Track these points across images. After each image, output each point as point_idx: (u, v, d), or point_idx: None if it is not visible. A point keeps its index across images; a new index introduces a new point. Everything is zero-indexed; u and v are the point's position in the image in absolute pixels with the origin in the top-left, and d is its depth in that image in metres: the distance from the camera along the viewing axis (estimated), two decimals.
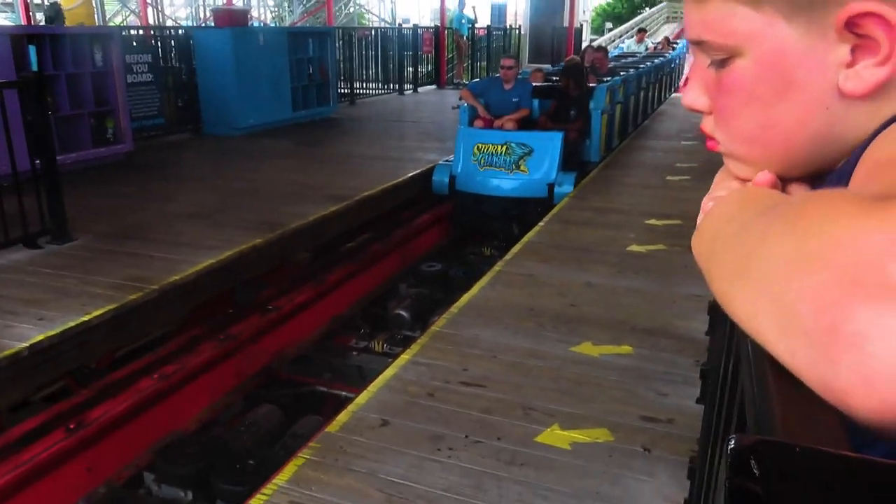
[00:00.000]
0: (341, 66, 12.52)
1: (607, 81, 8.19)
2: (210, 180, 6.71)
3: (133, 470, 3.40)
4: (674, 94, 15.96)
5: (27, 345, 3.23)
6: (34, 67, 6.21)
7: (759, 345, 0.45)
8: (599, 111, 7.47)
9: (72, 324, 3.45)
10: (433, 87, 15.80)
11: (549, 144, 6.68)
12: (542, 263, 4.45)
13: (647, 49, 15.72)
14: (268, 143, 8.64)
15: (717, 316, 2.18)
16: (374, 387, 2.92)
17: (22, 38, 6.49)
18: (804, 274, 0.37)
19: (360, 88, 13.61)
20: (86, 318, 3.52)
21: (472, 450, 2.48)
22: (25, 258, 4.41)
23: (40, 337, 3.30)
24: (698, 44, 0.59)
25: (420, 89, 15.20)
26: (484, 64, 17.25)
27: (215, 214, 5.40)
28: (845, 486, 0.29)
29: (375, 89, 14.43)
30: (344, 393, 4.09)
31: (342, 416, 2.70)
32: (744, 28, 0.54)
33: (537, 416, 2.71)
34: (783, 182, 0.60)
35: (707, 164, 7.39)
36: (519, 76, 7.95)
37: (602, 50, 10.66)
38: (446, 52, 16.26)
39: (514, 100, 7.42)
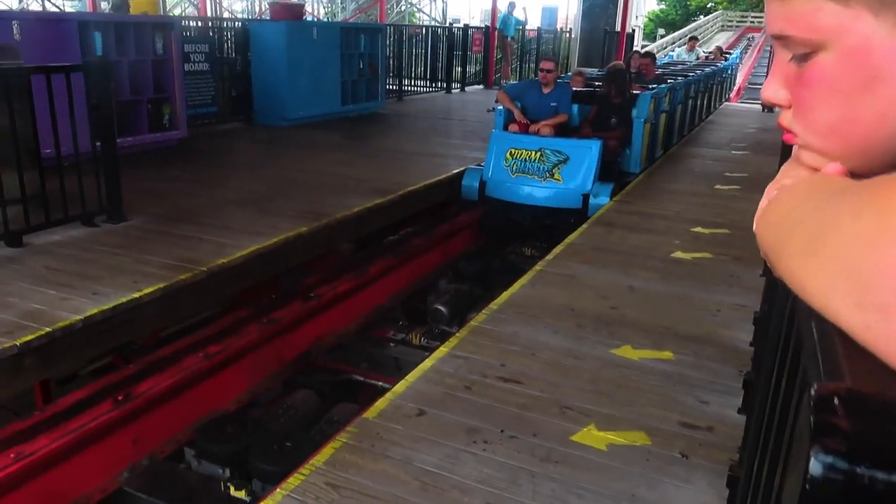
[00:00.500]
0: (391, 62, 12.63)
1: (652, 89, 7.79)
2: (260, 169, 6.85)
3: (174, 445, 3.50)
4: (726, 104, 15.70)
5: (81, 317, 3.35)
6: (99, 53, 6.41)
7: (824, 326, 0.46)
8: (642, 120, 7.09)
9: (124, 300, 3.56)
10: (480, 86, 15.82)
11: (586, 153, 6.34)
12: (585, 265, 4.44)
13: (697, 58, 15.37)
14: (316, 136, 8.76)
15: (766, 326, 2.15)
16: (412, 376, 2.95)
17: (88, 24, 6.72)
18: (884, 248, 0.38)
19: (408, 85, 13.69)
20: (137, 294, 3.63)
21: (508, 444, 2.50)
22: (83, 235, 4.57)
23: (94, 311, 3.42)
24: (781, 38, 0.60)
25: (467, 88, 15.23)
26: (532, 66, 17.20)
27: (263, 202, 5.51)
28: None
29: (423, 87, 14.51)
30: (380, 383, 4.14)
31: (380, 403, 2.74)
32: (829, 23, 0.54)
33: (574, 415, 2.70)
34: (854, 178, 0.60)
35: (758, 176, 7.26)
36: (559, 80, 7.59)
37: (649, 56, 10.12)
38: (495, 52, 16.25)
39: (553, 104, 7.05)
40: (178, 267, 4.01)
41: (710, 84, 12.08)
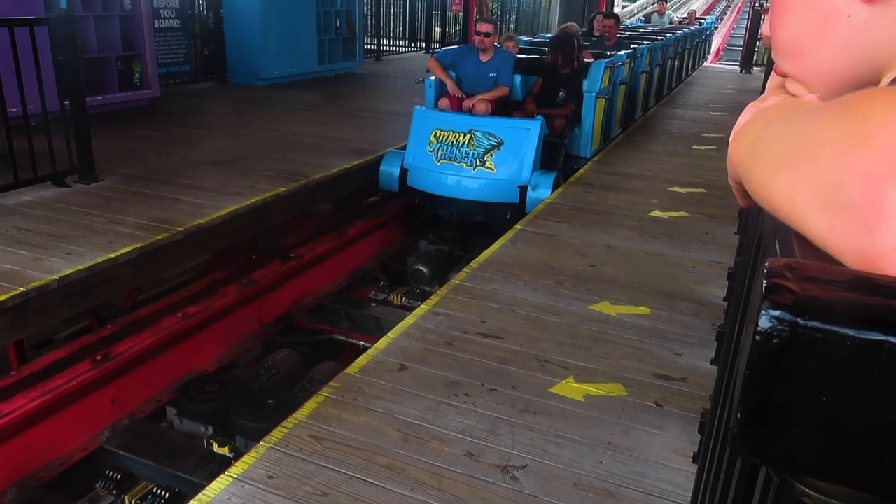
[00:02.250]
0: (369, 21, 12.41)
1: (609, 56, 6.71)
2: (234, 129, 6.74)
3: (155, 405, 3.50)
4: (704, 65, 15.71)
5: (56, 277, 3.31)
6: (63, 6, 6.21)
7: (786, 239, 0.47)
8: (593, 94, 6.03)
9: (99, 259, 3.52)
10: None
11: (524, 136, 5.33)
12: (564, 224, 4.46)
13: (670, 22, 15.13)
14: (292, 95, 8.63)
15: (738, 279, 2.19)
16: (393, 333, 2.97)
17: None
18: (856, 152, 0.39)
19: (386, 45, 13.50)
20: (113, 255, 3.59)
21: (488, 397, 2.53)
22: (54, 195, 4.48)
23: (69, 270, 3.38)
24: None
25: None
26: (512, 26, 17.01)
27: (239, 162, 5.44)
28: (863, 289, 0.32)
29: (402, 47, 14.31)
30: (362, 342, 4.16)
31: (362, 359, 2.75)
32: None
33: (552, 368, 2.74)
34: None
35: None
36: (498, 45, 6.42)
37: (612, 17, 8.68)
38: (474, 13, 16.04)
39: (491, 75, 5.95)
40: (154, 227, 3.96)
41: (682, 49, 11.38)
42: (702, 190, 5.27)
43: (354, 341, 4.31)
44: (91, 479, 3.04)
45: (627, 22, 16.42)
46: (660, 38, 9.58)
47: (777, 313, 0.30)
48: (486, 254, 3.94)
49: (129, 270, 3.68)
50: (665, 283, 3.60)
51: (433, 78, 6.10)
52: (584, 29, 9.96)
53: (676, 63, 10.97)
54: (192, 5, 9.11)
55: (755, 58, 14.31)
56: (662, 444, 2.31)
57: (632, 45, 7.88)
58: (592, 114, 6.08)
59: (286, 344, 4.23)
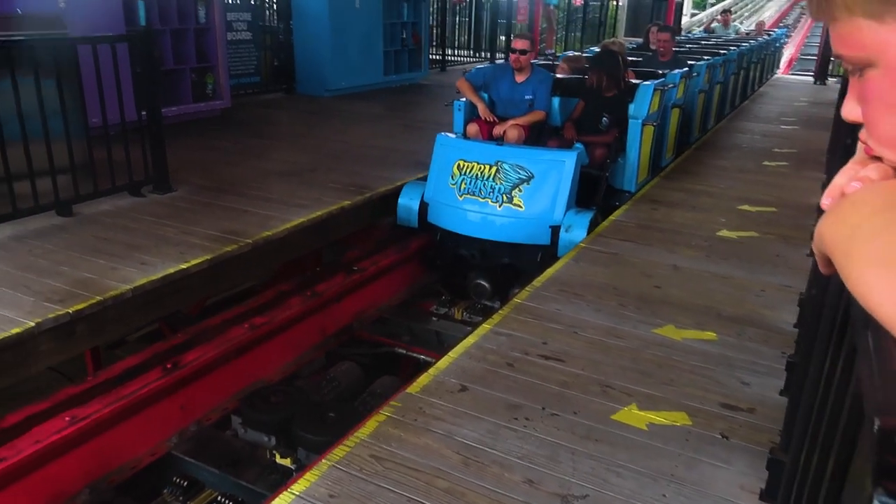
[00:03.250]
0: (434, 31, 12.52)
1: (662, 76, 6.03)
2: (302, 140, 6.89)
3: (221, 413, 3.59)
4: (777, 75, 15.23)
5: (131, 287, 3.44)
6: (142, 23, 6.47)
7: (881, 338, 0.45)
8: (640, 121, 5.37)
9: (171, 270, 3.65)
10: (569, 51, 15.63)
11: (557, 169, 4.70)
12: (628, 242, 4.38)
13: (736, 33, 14.35)
14: (358, 106, 8.77)
15: (813, 309, 2.11)
16: (454, 353, 2.97)
17: None
18: None
19: (451, 55, 13.58)
20: (184, 265, 3.71)
21: (549, 422, 2.50)
22: (130, 205, 4.67)
23: (143, 280, 3.51)
24: (839, 58, 0.61)
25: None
26: (578, 34, 16.87)
27: (306, 174, 5.55)
28: None
29: (467, 57, 14.38)
30: (422, 356, 4.17)
31: (423, 379, 2.76)
32: (871, 40, 0.56)
33: (615, 394, 2.70)
34: None
35: (807, 152, 7.06)
36: (537, 62, 5.84)
37: (668, 30, 7.66)
38: (540, 21, 15.98)
39: (527, 97, 5.41)
40: (223, 239, 4.08)
41: (748, 63, 10.49)
42: (772, 209, 5.10)
43: (415, 355, 4.33)
44: (159, 484, 3.14)
45: (694, 32, 15.93)
46: (722, 51, 8.80)
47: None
48: (549, 272, 3.90)
49: (199, 281, 3.80)
50: (733, 307, 3.49)
51: (463, 100, 5.56)
52: (640, 41, 9.58)
53: (741, 79, 10.11)
54: (264, 17, 9.37)
55: (830, 68, 13.78)
56: (728, 478, 2.24)
57: (689, 62, 7.16)
58: (639, 142, 5.40)
59: (348, 356, 4.28)
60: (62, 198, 4.35)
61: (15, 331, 2.98)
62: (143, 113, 4.87)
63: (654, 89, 5.44)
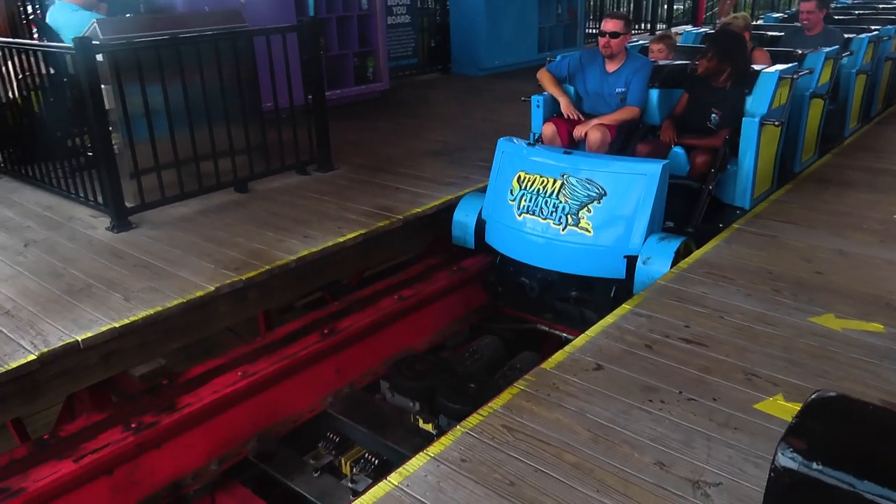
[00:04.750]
0: (590, 4, 12.22)
1: (800, 56, 4.94)
2: (454, 120, 7.06)
3: (372, 377, 3.85)
4: None
5: (295, 258, 3.77)
6: (311, 13, 6.91)
7: None
8: (757, 120, 4.21)
9: (330, 243, 3.94)
10: (688, 26, 14.81)
11: (637, 185, 3.76)
12: (789, 224, 4.12)
13: None
14: (512, 85, 8.80)
15: None
16: (592, 331, 2.99)
17: None
18: None
19: None
20: (341, 239, 4.00)
21: (685, 406, 2.47)
22: (297, 183, 5.07)
23: (305, 252, 3.83)
24: None
25: (674, 29, 14.33)
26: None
27: (456, 153, 5.71)
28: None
29: None
30: (564, 334, 4.20)
31: (558, 355, 2.81)
32: None
33: (760, 383, 2.59)
34: None
35: None
36: (631, 46, 4.84)
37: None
38: None
39: (618, 90, 4.54)
40: (377, 215, 4.33)
41: None
42: None
43: (557, 332, 4.36)
44: (315, 438, 3.44)
45: None
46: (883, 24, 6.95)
47: (791, 455, 0.32)
48: (697, 253, 3.77)
49: (355, 253, 4.07)
50: None
51: (543, 95, 4.76)
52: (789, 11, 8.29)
53: None
54: (422, 0, 9.64)
55: None
56: None
57: (847, 35, 5.90)
58: (755, 146, 4.24)
59: (491, 330, 4.40)
60: (240, 176, 4.82)
61: (199, 294, 3.38)
62: (310, 97, 5.24)
63: (780, 77, 4.29)
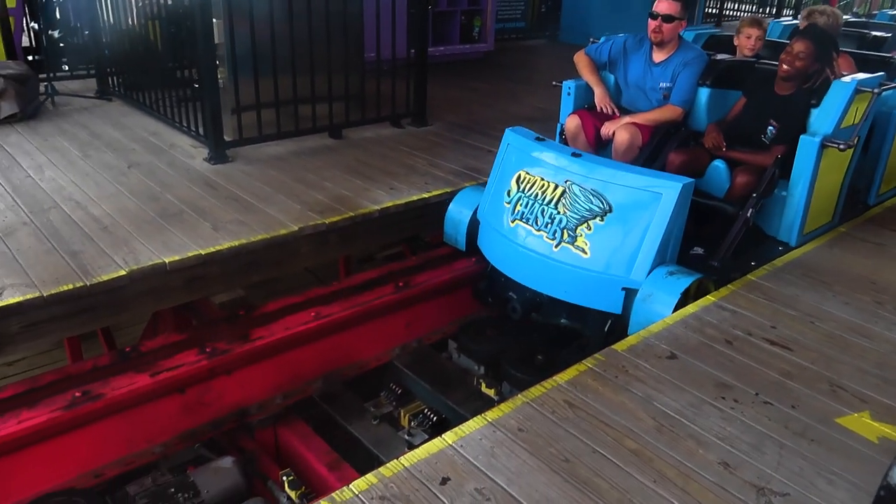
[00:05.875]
0: None
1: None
2: (555, 88, 6.87)
3: (440, 336, 3.86)
4: None
5: (378, 208, 3.79)
6: None
7: None
8: (818, 140, 3.43)
9: (415, 198, 3.95)
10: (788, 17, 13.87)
11: (648, 204, 3.07)
12: None
13: None
14: None
15: None
16: (670, 319, 2.87)
17: None
18: None
19: (731, 9, 12.51)
20: (426, 195, 3.99)
21: (760, 409, 2.35)
22: (390, 134, 5.09)
23: (389, 204, 3.85)
24: None
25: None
26: None
27: (550, 121, 5.55)
28: None
29: (748, 12, 13.14)
30: None
31: (632, 339, 2.72)
32: None
33: (846, 397, 2.43)
34: None
35: None
36: (686, 32, 4.04)
37: None
38: None
39: (663, 84, 3.90)
40: (464, 174, 4.30)
41: None
42: None
43: None
44: (378, 388, 3.50)
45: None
46: None
47: None
48: (795, 253, 3.56)
49: (439, 211, 4.05)
50: None
51: (576, 82, 4.16)
52: None
53: None
54: None
55: None
56: None
57: None
58: (810, 172, 3.47)
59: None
60: (335, 122, 4.88)
61: (283, 232, 3.46)
62: (412, 51, 5.22)
63: (857, 90, 3.47)
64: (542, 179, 3.28)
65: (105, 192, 3.81)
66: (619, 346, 2.68)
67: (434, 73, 5.72)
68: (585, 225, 3.13)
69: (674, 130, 3.93)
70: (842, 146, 3.45)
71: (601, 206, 3.11)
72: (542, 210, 3.24)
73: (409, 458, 2.03)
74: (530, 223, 3.27)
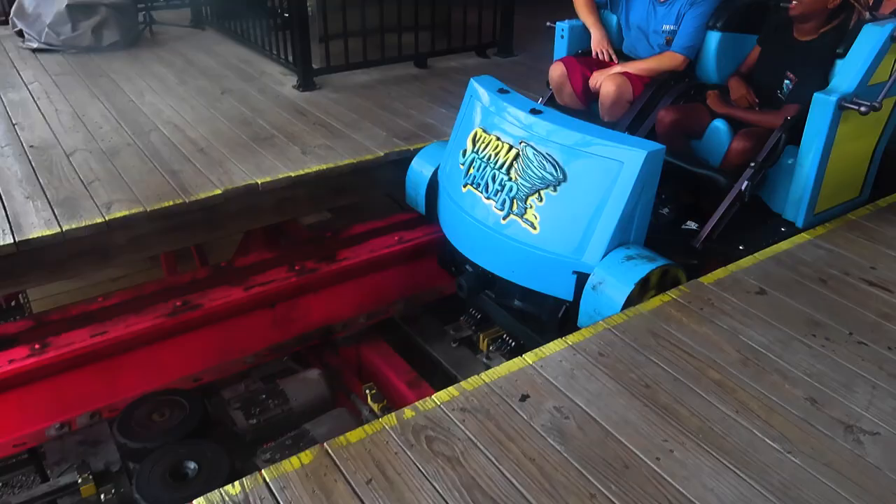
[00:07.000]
0: None
1: None
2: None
3: None
4: None
5: None
6: None
7: None
8: (835, 100, 2.74)
9: None
10: None
11: (608, 174, 2.52)
12: None
13: None
14: None
15: None
16: (761, 255, 2.78)
17: None
18: None
19: None
20: None
21: (853, 349, 2.27)
22: (474, 64, 5.03)
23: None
24: None
25: None
26: None
27: None
28: None
29: None
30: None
31: (720, 272, 2.66)
32: None
33: None
34: None
35: None
36: None
37: None
38: None
39: (666, 26, 3.33)
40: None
41: None
42: None
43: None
44: (459, 312, 3.56)
45: None
46: None
47: None
48: None
49: None
50: None
51: (570, 22, 3.65)
52: None
53: None
54: None
55: None
56: None
57: None
58: (823, 139, 2.81)
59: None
60: (420, 51, 4.85)
61: (368, 157, 3.51)
62: None
63: (892, 37, 2.74)
64: (498, 139, 2.74)
65: (200, 116, 3.95)
66: (706, 279, 2.62)
67: (524, 2, 5.57)
68: (537, 195, 2.60)
69: (674, 82, 3.32)
70: (863, 108, 2.71)
71: (554, 174, 2.56)
72: (493, 175, 2.71)
73: (490, 375, 2.08)
74: (480, 190, 2.76)
